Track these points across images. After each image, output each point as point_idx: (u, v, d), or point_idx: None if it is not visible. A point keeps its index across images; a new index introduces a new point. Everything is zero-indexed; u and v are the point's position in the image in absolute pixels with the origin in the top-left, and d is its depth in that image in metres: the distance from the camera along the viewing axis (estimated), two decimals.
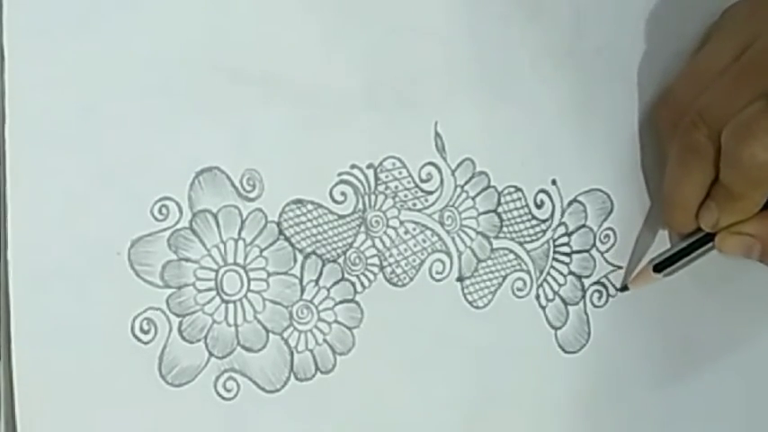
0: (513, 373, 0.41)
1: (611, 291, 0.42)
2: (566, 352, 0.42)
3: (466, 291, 0.40)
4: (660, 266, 0.42)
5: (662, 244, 0.43)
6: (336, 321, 0.38)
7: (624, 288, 0.42)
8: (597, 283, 0.42)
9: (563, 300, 0.42)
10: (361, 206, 0.38)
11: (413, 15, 0.39)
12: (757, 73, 0.38)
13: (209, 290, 0.36)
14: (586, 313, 0.42)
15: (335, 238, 0.38)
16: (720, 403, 0.45)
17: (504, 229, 0.41)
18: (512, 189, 0.41)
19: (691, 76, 0.41)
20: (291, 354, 0.37)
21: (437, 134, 0.39)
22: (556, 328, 0.41)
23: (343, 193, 0.38)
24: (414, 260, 0.39)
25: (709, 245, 0.41)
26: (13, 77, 0.33)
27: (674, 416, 0.44)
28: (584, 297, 0.42)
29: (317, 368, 0.38)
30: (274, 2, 0.37)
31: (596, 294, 0.42)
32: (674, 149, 0.40)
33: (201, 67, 0.36)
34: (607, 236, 0.42)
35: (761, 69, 0.38)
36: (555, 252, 0.41)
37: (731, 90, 0.38)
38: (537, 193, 0.41)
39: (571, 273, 0.42)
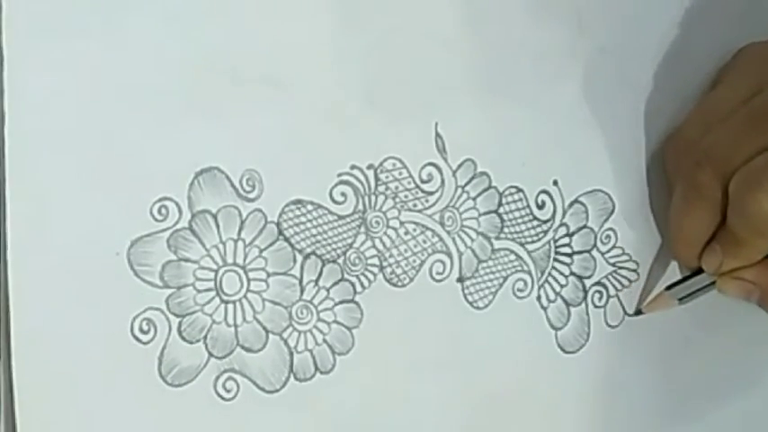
0: (513, 373, 0.40)
1: (612, 291, 0.42)
2: (565, 352, 0.42)
3: (466, 291, 0.40)
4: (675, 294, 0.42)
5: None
6: (336, 321, 0.38)
7: (638, 312, 0.42)
8: (598, 283, 0.42)
9: (565, 301, 0.41)
10: (361, 207, 0.38)
11: (413, 15, 0.38)
12: (766, 120, 0.37)
13: (209, 290, 0.36)
14: (588, 314, 0.42)
15: (335, 239, 0.38)
16: (719, 403, 0.44)
17: (506, 229, 0.40)
18: (513, 190, 0.40)
19: (699, 116, 0.41)
20: (291, 354, 0.37)
21: (438, 135, 0.39)
22: (556, 329, 0.41)
23: (343, 194, 0.38)
24: (414, 261, 0.39)
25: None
26: (13, 77, 0.33)
27: (674, 416, 0.44)
28: (585, 298, 0.42)
29: (316, 368, 0.37)
30: (274, 2, 0.37)
31: (597, 295, 0.42)
32: (679, 186, 0.40)
33: (202, 67, 0.36)
34: (608, 236, 0.42)
35: None
36: (556, 253, 0.41)
37: (739, 134, 0.38)
38: (538, 194, 0.41)
39: (572, 273, 0.42)
